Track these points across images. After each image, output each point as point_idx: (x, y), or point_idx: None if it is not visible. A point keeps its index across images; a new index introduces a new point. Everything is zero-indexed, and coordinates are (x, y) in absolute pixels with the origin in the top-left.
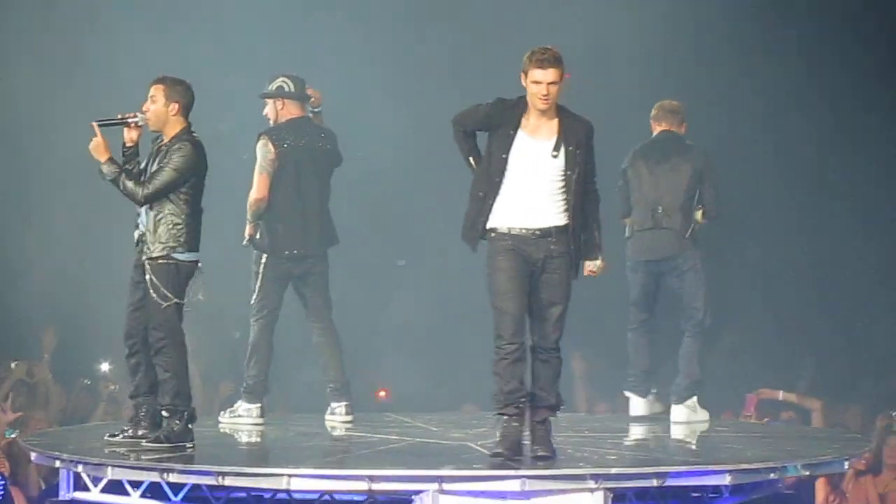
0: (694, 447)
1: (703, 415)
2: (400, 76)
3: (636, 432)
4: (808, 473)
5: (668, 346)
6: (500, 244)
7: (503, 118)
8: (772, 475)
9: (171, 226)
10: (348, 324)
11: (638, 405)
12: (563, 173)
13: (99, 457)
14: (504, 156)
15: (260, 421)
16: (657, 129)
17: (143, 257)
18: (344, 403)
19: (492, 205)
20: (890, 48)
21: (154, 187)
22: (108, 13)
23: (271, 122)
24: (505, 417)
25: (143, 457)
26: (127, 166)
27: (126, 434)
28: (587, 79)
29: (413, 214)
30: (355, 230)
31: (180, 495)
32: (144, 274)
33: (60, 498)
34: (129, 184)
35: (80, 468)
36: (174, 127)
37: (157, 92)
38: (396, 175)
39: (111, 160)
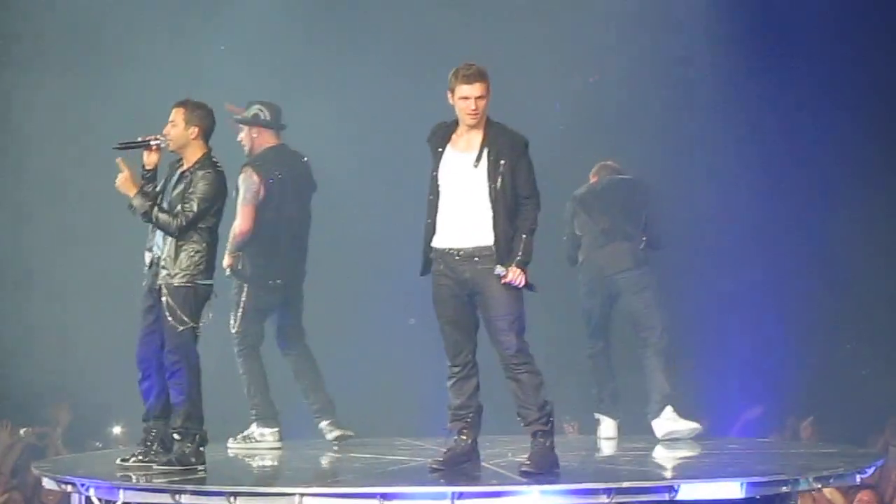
0: (705, 462)
1: (688, 424)
2: (370, 104)
3: (646, 449)
4: (819, 486)
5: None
6: (435, 267)
7: (437, 140)
8: (783, 488)
9: (192, 253)
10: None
11: (609, 427)
12: (486, 185)
13: (111, 480)
14: (435, 173)
15: (278, 445)
16: (593, 180)
17: (160, 282)
18: (329, 421)
19: (432, 224)
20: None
21: (187, 219)
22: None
23: (246, 149)
24: (454, 433)
25: (154, 479)
26: (146, 188)
27: (137, 458)
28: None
29: (379, 242)
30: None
31: None
32: (160, 298)
33: None
34: (163, 216)
35: (91, 492)
36: (195, 151)
37: (177, 115)
38: (362, 201)
39: (141, 193)
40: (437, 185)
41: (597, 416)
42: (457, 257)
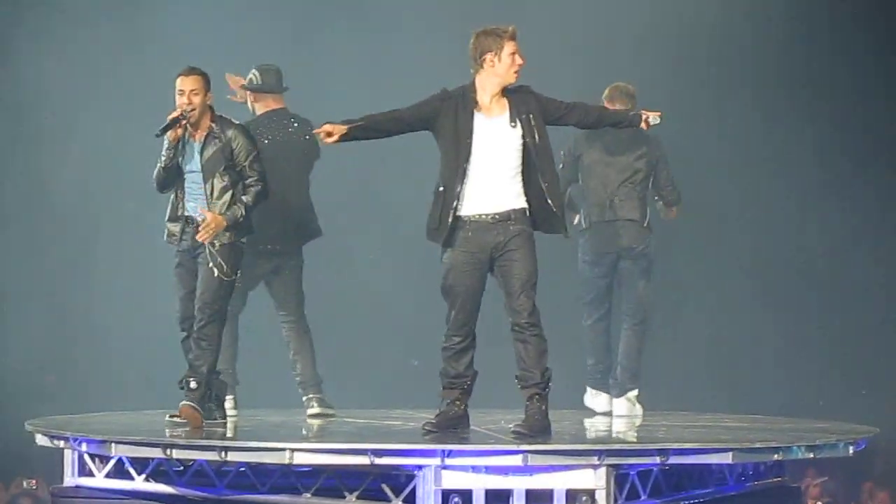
0: (698, 431)
1: (640, 410)
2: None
3: (638, 418)
4: (811, 455)
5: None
6: (459, 234)
7: (454, 104)
8: (775, 456)
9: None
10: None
11: (601, 400)
12: (522, 143)
13: (103, 435)
14: (468, 140)
15: (233, 413)
16: (606, 104)
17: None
18: (311, 396)
19: (459, 193)
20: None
21: (265, 182)
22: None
23: (251, 112)
24: (447, 400)
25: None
26: (173, 161)
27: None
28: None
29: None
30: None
31: (185, 478)
32: (204, 254)
33: (65, 484)
34: (251, 197)
35: (84, 447)
36: (206, 114)
37: (197, 84)
38: (368, 168)
39: (226, 217)
40: (470, 152)
41: (589, 388)
42: (490, 221)
